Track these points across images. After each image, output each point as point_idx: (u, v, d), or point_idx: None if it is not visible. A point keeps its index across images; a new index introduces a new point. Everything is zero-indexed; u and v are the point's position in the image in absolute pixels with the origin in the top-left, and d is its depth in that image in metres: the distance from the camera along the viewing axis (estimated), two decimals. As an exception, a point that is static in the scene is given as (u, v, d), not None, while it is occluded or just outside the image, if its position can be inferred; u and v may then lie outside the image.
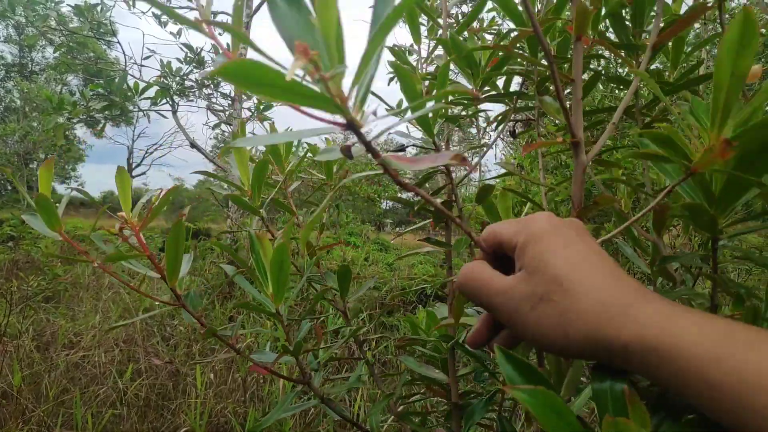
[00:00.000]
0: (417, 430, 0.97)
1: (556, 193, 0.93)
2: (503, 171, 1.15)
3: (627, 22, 0.85)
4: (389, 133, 1.18)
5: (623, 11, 0.84)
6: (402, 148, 1.07)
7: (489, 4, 1.03)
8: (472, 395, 0.99)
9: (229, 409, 2.51)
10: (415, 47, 1.16)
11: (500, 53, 0.96)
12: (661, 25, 0.72)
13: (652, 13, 0.83)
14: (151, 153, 21.07)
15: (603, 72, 1.07)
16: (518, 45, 0.91)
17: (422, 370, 0.95)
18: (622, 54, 0.78)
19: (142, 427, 2.49)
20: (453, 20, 1.10)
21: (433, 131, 0.92)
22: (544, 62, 0.93)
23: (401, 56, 1.17)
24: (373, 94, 0.75)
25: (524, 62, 0.99)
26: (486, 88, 0.99)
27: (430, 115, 0.88)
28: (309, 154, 1.20)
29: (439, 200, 0.97)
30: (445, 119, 1.00)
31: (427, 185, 1.07)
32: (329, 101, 0.32)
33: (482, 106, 1.04)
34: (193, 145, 5.56)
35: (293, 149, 1.11)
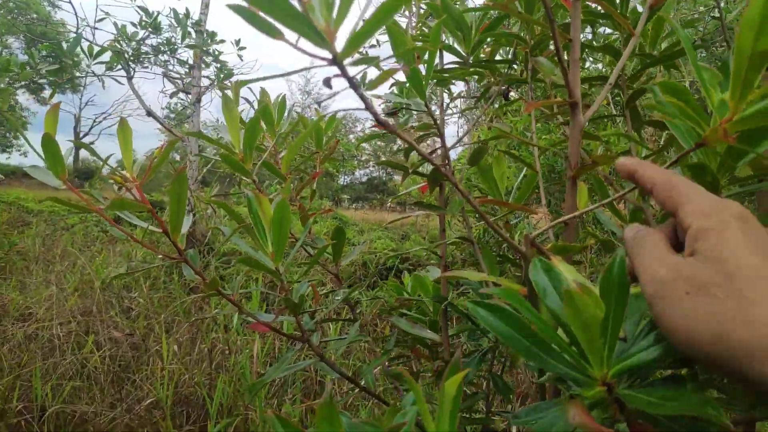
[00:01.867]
0: (410, 387, 0.99)
1: (547, 157, 0.95)
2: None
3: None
4: (380, 96, 1.17)
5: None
6: (394, 111, 1.06)
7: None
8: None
9: (196, 379, 2.49)
10: (404, 12, 1.15)
11: (492, 15, 0.97)
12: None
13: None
14: (100, 122, 20.23)
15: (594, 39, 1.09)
16: (515, 8, 0.91)
17: (415, 330, 0.97)
18: (618, 12, 0.80)
19: (104, 399, 2.44)
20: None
21: (426, 93, 0.92)
22: (537, 26, 0.94)
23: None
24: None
25: (518, 24, 0.99)
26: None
27: (423, 73, 0.88)
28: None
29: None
30: (436, 82, 1.01)
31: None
32: (310, 26, 0.32)
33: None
34: (149, 113, 5.36)
35: (284, 116, 1.09)
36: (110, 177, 0.73)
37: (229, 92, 1.02)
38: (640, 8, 0.94)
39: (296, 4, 0.32)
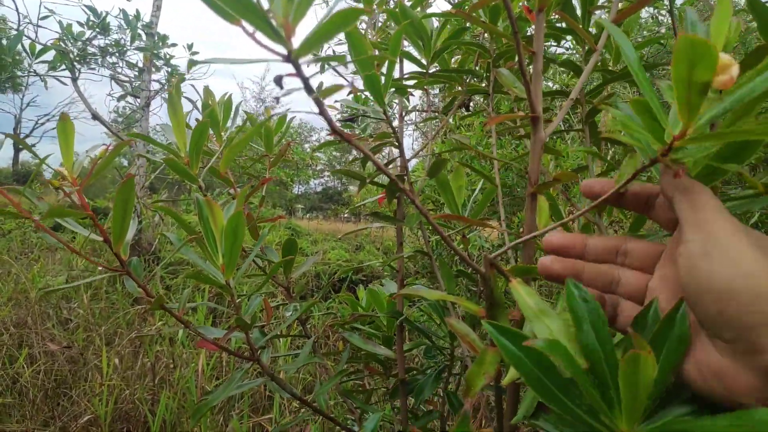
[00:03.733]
0: (361, 407, 0.96)
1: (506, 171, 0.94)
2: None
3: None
4: (338, 101, 1.15)
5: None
6: (351, 119, 1.04)
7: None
8: (414, 371, 0.99)
9: (138, 395, 2.37)
10: (365, 17, 1.13)
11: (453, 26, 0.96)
12: (620, 5, 0.73)
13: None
14: (43, 124, 19.38)
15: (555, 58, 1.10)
16: (479, 17, 0.91)
17: (369, 347, 0.94)
18: (581, 27, 0.80)
19: (37, 416, 2.30)
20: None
21: (384, 101, 0.90)
22: (498, 39, 0.94)
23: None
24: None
25: (480, 34, 0.99)
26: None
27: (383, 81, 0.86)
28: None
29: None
30: (395, 90, 0.99)
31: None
32: (264, 18, 0.31)
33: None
34: (95, 116, 5.16)
35: (230, 115, 1.04)
36: (50, 182, 0.68)
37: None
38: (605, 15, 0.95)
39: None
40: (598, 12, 0.89)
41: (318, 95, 0.37)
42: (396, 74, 1.03)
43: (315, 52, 0.33)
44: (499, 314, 0.50)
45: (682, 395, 0.37)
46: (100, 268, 0.65)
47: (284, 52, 0.33)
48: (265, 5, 0.32)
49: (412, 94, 1.11)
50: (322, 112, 0.38)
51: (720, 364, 0.33)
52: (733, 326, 0.31)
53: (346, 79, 1.40)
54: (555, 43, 0.95)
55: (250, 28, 0.32)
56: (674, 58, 0.34)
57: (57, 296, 3.46)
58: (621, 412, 0.35)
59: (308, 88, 0.36)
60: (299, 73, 0.34)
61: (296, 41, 0.32)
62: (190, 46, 5.37)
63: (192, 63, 0.41)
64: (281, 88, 0.37)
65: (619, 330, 0.44)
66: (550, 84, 3.29)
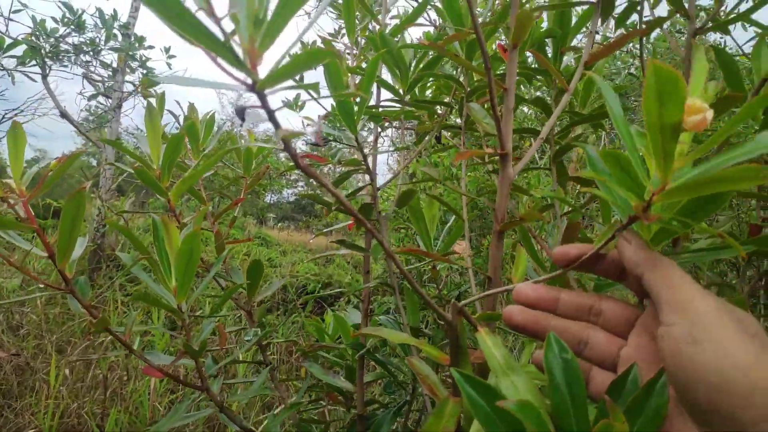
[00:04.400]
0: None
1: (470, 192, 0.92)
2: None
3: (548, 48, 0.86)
4: (308, 124, 1.12)
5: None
6: (319, 144, 1.01)
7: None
8: (375, 405, 0.96)
9: (86, 408, 2.27)
10: (347, 42, 1.11)
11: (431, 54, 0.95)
12: (593, 45, 0.73)
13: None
14: (11, 118, 18.85)
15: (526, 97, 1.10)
16: (453, 50, 0.90)
17: (328, 378, 0.91)
18: (553, 66, 0.79)
19: (-24, 427, 2.18)
20: (392, 20, 1.07)
21: (357, 128, 0.88)
22: (471, 75, 0.93)
23: (329, 44, 1.12)
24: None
25: (455, 68, 0.98)
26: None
27: (356, 109, 0.83)
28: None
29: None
30: (369, 117, 0.97)
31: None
32: (224, 46, 0.28)
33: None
34: (63, 114, 5.03)
35: (212, 133, 1.01)
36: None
37: (153, 101, 0.94)
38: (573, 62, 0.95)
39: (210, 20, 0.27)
40: (565, 58, 0.89)
41: (284, 134, 0.34)
42: (372, 100, 1.01)
43: (282, 83, 0.31)
44: (463, 361, 0.48)
45: None
46: (41, 285, 0.60)
47: (249, 81, 0.30)
48: (229, 26, 0.29)
49: (387, 121, 1.09)
50: (288, 149, 0.35)
51: None
52: (724, 420, 0.29)
53: (318, 102, 1.38)
54: (526, 84, 0.95)
55: (212, 53, 0.29)
56: (644, 95, 0.32)
57: (7, 299, 3.32)
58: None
59: (274, 123, 0.33)
60: (264, 106, 0.31)
61: (263, 70, 0.30)
62: (167, 49, 5.29)
63: (151, 83, 0.38)
64: (242, 120, 0.34)
65: (588, 396, 0.41)
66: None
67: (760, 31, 0.81)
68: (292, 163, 1.08)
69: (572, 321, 0.42)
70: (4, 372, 2.52)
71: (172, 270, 0.72)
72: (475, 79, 0.93)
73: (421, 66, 0.93)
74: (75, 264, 0.66)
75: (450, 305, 0.45)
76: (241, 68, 0.29)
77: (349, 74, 0.93)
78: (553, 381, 0.36)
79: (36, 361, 2.64)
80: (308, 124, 1.20)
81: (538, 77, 0.88)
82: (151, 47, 5.15)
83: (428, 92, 1.11)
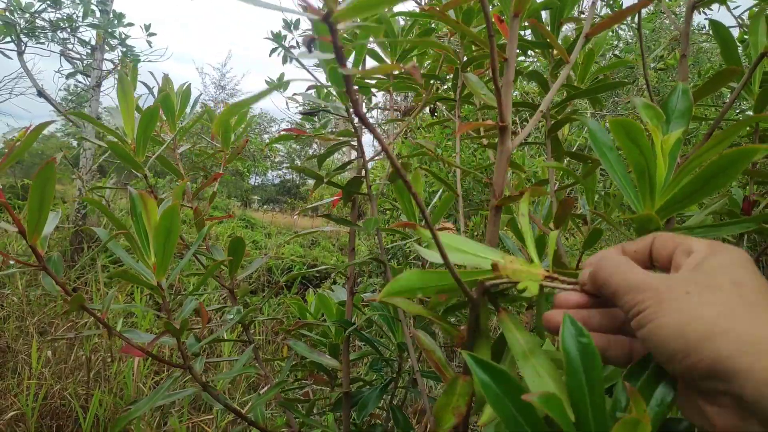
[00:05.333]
0: (302, 418, 0.91)
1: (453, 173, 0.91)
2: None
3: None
4: (297, 94, 1.09)
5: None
6: (313, 112, 0.99)
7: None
8: (360, 383, 0.95)
9: (69, 390, 2.25)
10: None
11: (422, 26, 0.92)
12: (594, 18, 0.71)
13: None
14: (-14, 97, 18.41)
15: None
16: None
17: (314, 356, 0.89)
18: (554, 38, 0.77)
19: (-44, 410, 2.15)
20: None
21: (347, 98, 0.85)
22: (468, 46, 0.91)
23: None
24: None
25: (444, 36, 0.95)
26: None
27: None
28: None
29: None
30: (359, 88, 0.94)
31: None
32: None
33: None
34: (40, 93, 4.91)
35: (188, 104, 0.98)
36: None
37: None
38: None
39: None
40: (565, 27, 0.87)
41: (350, 72, 0.32)
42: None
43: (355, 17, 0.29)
44: (480, 344, 0.46)
45: None
46: (11, 261, 0.58)
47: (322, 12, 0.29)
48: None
49: (374, 95, 1.07)
50: (349, 91, 0.33)
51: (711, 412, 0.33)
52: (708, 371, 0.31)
53: (310, 72, 1.34)
54: (522, 56, 0.93)
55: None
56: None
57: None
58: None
59: (340, 59, 0.31)
60: (334, 39, 0.30)
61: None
62: (147, 27, 5.18)
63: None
64: (310, 52, 0.32)
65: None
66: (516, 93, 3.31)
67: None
68: (276, 144, 1.05)
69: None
70: (-15, 354, 2.49)
71: (150, 246, 0.69)
72: (473, 48, 0.90)
73: (410, 36, 0.90)
74: (47, 240, 0.63)
75: (477, 283, 0.44)
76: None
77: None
78: (571, 365, 0.35)
79: (17, 343, 2.60)
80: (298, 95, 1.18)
81: (535, 50, 0.86)
82: (130, 24, 5.03)
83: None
